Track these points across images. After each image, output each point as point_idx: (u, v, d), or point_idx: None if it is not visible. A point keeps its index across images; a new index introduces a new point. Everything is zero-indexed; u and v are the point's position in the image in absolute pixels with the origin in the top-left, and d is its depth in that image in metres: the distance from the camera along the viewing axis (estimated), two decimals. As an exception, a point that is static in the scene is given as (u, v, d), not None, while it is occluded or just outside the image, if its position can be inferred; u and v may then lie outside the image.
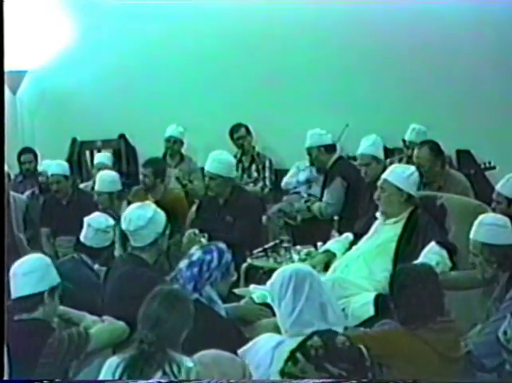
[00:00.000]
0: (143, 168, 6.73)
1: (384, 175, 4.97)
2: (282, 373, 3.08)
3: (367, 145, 6.07)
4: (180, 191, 7.18)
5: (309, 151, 6.77)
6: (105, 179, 6.52)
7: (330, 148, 6.70)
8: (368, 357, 3.23)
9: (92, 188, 7.15)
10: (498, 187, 4.86)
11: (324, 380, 3.03)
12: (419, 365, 3.48)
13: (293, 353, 3.10)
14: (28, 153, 7.69)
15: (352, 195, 6.28)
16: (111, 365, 3.18)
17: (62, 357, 3.50)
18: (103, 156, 7.56)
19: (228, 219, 5.94)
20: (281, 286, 3.44)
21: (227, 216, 5.96)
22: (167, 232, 4.37)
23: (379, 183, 4.98)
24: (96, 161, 7.46)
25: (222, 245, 3.90)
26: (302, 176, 7.00)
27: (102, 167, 7.15)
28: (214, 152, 6.19)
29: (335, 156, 6.63)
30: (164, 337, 3.14)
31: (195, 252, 3.85)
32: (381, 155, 6.14)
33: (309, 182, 6.94)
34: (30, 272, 3.53)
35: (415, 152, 6.03)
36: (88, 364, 3.67)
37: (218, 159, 6.06)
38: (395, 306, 3.65)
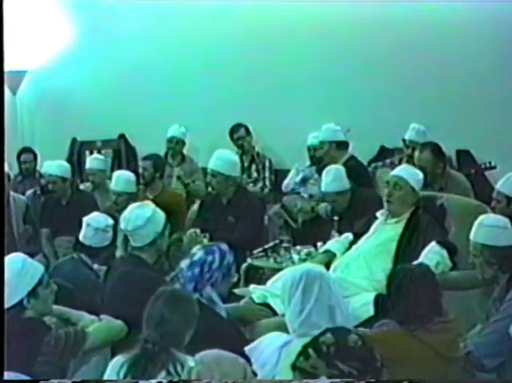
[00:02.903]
0: (143, 162, 6.70)
1: (399, 173, 4.93)
2: (293, 367, 3.08)
3: (328, 182, 5.92)
4: (179, 191, 7.18)
5: (321, 145, 6.76)
6: (126, 179, 6.36)
7: (342, 146, 6.68)
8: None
9: (93, 189, 7.15)
10: (498, 185, 4.87)
11: (324, 381, 3.02)
12: (417, 365, 3.47)
13: (305, 348, 3.10)
14: (27, 153, 7.70)
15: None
16: (115, 365, 3.19)
17: (60, 356, 3.50)
18: (95, 161, 7.24)
19: (230, 220, 5.93)
20: (291, 285, 3.44)
21: (230, 217, 5.94)
22: (167, 232, 4.35)
23: (392, 179, 4.92)
24: (87, 166, 7.19)
25: (225, 246, 3.88)
26: (298, 177, 6.98)
27: (95, 172, 7.08)
28: (219, 150, 6.19)
29: (346, 156, 6.61)
30: (168, 336, 3.15)
31: (197, 252, 3.84)
32: (345, 186, 5.93)
33: (304, 181, 6.93)
34: (6, 285, 3.50)
35: (417, 154, 6.01)
36: (85, 362, 3.67)
37: (221, 157, 6.06)
38: (392, 307, 3.65)
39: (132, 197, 6.25)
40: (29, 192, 7.24)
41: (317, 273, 3.49)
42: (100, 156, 7.56)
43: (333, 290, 3.47)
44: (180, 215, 6.31)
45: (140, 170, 6.69)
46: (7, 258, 3.62)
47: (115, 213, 5.88)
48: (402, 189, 4.86)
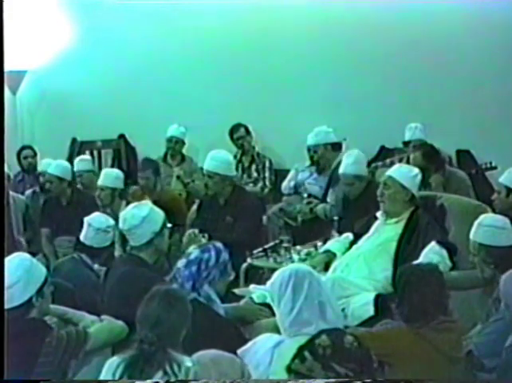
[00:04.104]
0: (142, 173, 6.77)
1: (388, 173, 4.99)
2: (289, 370, 3.07)
3: (349, 163, 5.91)
4: (177, 191, 7.21)
5: (315, 148, 6.78)
6: (110, 174, 6.54)
7: (336, 147, 6.70)
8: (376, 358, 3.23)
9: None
10: (500, 178, 4.93)
11: (326, 380, 3.02)
12: (420, 363, 3.48)
13: (300, 350, 3.09)
14: (27, 149, 7.74)
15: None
16: (111, 365, 3.17)
17: (61, 356, 3.49)
18: (82, 163, 7.26)
19: (228, 220, 5.94)
20: (280, 285, 3.44)
21: (228, 217, 5.95)
22: (166, 232, 4.35)
23: (382, 179, 4.99)
24: (75, 169, 7.15)
25: (219, 244, 3.92)
26: (292, 182, 6.99)
27: (82, 174, 7.08)
28: (213, 151, 6.20)
29: (340, 156, 6.61)
30: (164, 336, 3.14)
31: (193, 251, 3.87)
32: (364, 171, 5.97)
33: (296, 187, 6.95)
34: (13, 284, 3.50)
35: (411, 156, 6.06)
36: (87, 363, 3.67)
37: (216, 157, 6.07)
38: (398, 304, 3.66)
39: (116, 193, 6.39)
40: (28, 192, 7.24)
41: (305, 271, 3.50)
42: (87, 157, 7.61)
43: (323, 287, 3.49)
44: (181, 216, 6.33)
45: (142, 181, 6.69)
46: (15, 257, 3.63)
47: (100, 208, 5.99)
48: (391, 188, 4.89)
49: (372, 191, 5.71)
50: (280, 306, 3.43)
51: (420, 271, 3.71)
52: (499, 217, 4.20)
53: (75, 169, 7.17)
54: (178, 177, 7.46)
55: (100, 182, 6.50)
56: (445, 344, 3.52)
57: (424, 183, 5.75)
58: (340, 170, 5.99)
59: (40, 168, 7.31)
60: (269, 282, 4.72)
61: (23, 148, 7.79)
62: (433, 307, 3.58)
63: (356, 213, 5.74)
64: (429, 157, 6.03)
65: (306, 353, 3.00)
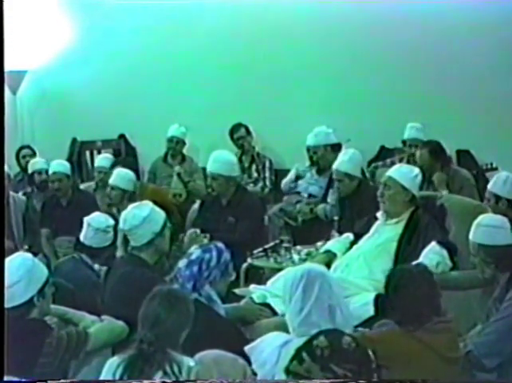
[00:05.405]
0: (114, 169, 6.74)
1: (388, 173, 4.97)
2: (287, 371, 3.08)
3: (343, 161, 5.90)
4: (177, 190, 7.20)
5: (315, 149, 6.77)
6: (124, 176, 6.40)
7: (336, 148, 6.70)
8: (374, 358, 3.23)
9: (95, 190, 7.16)
10: (489, 185, 4.91)
11: (324, 380, 3.02)
12: (417, 365, 3.47)
13: (298, 351, 3.10)
14: (26, 149, 7.75)
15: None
16: (111, 366, 3.18)
17: (61, 357, 3.50)
18: (104, 160, 7.37)
19: (230, 220, 5.93)
20: (292, 284, 3.45)
21: (230, 217, 5.95)
22: (167, 232, 4.35)
23: (383, 179, 4.99)
24: (96, 164, 7.32)
25: (221, 244, 3.92)
26: (292, 182, 6.98)
27: (103, 170, 7.11)
28: (215, 152, 6.19)
29: None
30: (164, 336, 3.15)
31: (194, 251, 3.87)
32: (356, 171, 5.93)
33: (298, 178, 6.94)
34: (15, 283, 3.50)
35: (417, 153, 6.05)
36: (87, 363, 3.67)
37: (219, 158, 6.06)
38: (391, 307, 3.66)
39: (127, 194, 6.30)
40: (21, 192, 7.21)
41: (318, 272, 3.50)
42: (110, 156, 7.57)
43: (334, 290, 3.48)
44: (166, 208, 6.26)
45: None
46: (17, 256, 3.65)
47: (108, 207, 5.97)
48: (391, 188, 4.88)
49: (365, 191, 5.74)
50: (290, 304, 3.43)
51: (410, 273, 3.68)
52: (497, 216, 4.19)
53: (97, 165, 7.25)
54: (178, 175, 7.44)
55: (111, 181, 6.36)
56: (441, 345, 3.50)
57: (427, 181, 5.77)
58: (334, 165, 6.00)
59: (31, 168, 7.26)
60: (269, 282, 4.75)
61: (22, 147, 7.79)
62: (426, 308, 3.56)
63: (349, 213, 5.76)
64: (436, 155, 6.03)
65: (304, 355, 3.00)
